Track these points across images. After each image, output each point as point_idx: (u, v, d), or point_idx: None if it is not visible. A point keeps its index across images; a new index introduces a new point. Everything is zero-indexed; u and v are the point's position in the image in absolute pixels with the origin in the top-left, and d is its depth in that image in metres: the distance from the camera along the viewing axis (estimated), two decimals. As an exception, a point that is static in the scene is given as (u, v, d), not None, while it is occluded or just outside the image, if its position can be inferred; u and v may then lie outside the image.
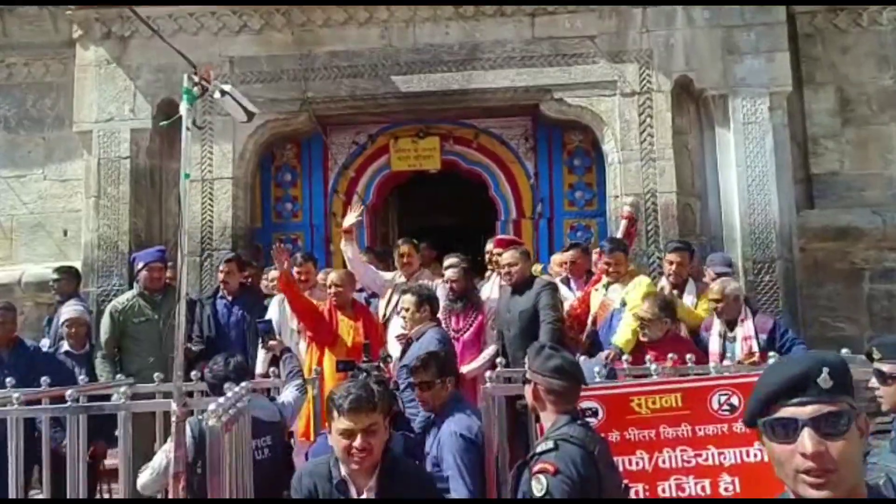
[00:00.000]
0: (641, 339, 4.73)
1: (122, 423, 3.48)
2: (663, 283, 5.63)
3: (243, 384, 3.21)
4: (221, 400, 2.64)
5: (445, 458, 3.42)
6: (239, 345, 5.59)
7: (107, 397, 4.00)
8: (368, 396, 2.54)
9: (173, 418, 3.25)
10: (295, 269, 5.77)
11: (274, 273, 5.97)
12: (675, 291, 5.49)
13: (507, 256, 5.10)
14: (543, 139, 7.40)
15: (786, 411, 1.32)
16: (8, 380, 4.64)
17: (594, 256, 5.89)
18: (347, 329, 5.16)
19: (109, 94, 7.07)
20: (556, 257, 6.29)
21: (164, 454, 3.38)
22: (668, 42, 6.70)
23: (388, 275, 5.69)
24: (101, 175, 6.96)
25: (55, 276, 6.42)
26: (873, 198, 7.15)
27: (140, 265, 5.79)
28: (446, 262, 5.42)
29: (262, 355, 5.32)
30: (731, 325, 4.92)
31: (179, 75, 6.46)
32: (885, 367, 2.65)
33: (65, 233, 7.77)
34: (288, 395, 4.08)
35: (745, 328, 4.82)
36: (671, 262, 5.50)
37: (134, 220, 6.95)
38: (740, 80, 6.62)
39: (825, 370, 1.33)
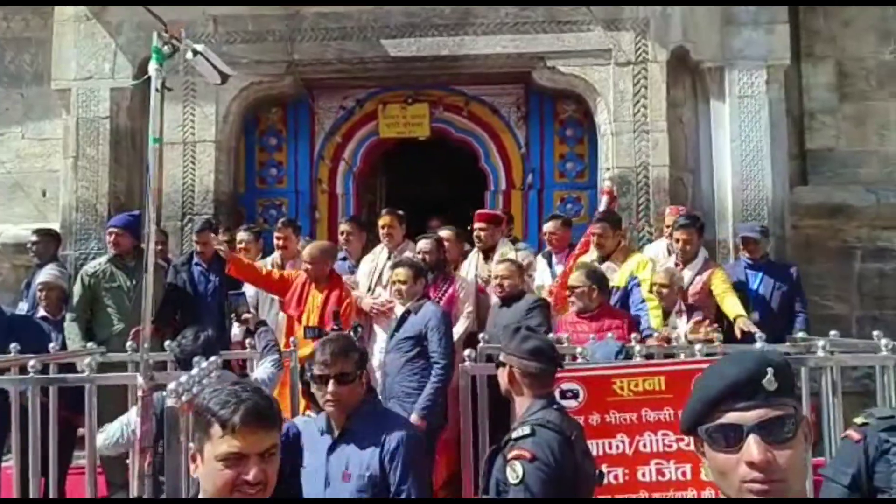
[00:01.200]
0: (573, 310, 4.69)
1: (87, 395, 3.36)
2: (669, 259, 5.48)
3: (212, 359, 3.07)
4: (184, 378, 2.52)
5: None
6: (218, 314, 5.47)
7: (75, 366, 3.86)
8: (267, 405, 1.74)
9: (139, 392, 3.14)
10: (275, 235, 5.65)
11: (241, 236, 5.88)
12: (680, 268, 5.35)
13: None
14: (535, 108, 7.23)
15: (730, 417, 1.21)
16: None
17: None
18: (318, 301, 5.03)
19: (89, 52, 6.85)
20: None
21: (119, 424, 3.28)
22: (666, 11, 6.51)
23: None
24: (80, 135, 6.77)
25: (34, 238, 6.25)
26: (868, 175, 7.04)
27: (111, 229, 5.63)
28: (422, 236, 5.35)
29: (236, 328, 5.19)
30: (666, 314, 4.84)
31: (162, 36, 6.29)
32: None
33: (43, 193, 7.58)
34: (262, 371, 3.93)
35: (680, 325, 4.76)
36: (678, 240, 5.31)
37: (114, 183, 6.78)
38: (738, 52, 6.46)
39: (770, 371, 1.22)
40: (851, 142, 7.08)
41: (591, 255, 5.37)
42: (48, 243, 6.27)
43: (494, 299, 5.00)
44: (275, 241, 5.77)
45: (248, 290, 5.38)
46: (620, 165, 6.47)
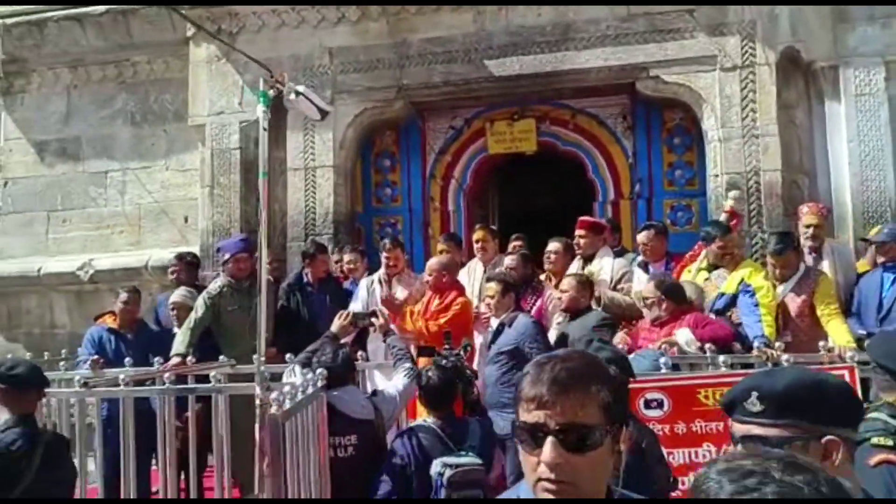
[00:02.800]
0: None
1: (216, 404, 3.75)
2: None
3: (319, 371, 3.36)
4: (286, 388, 2.82)
5: None
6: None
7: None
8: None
9: (257, 401, 3.48)
10: (383, 255, 5.94)
11: (348, 257, 6.19)
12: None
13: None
14: (641, 118, 7.23)
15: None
16: (126, 360, 5.12)
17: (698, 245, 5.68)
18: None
19: (220, 89, 7.50)
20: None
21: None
22: (773, 12, 6.37)
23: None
24: (215, 166, 7.41)
25: (173, 262, 6.86)
26: None
27: (226, 256, 6.00)
28: (509, 248, 5.49)
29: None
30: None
31: (284, 68, 6.83)
32: None
33: (185, 219, 8.32)
34: (396, 384, 3.86)
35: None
36: (772, 265, 5.17)
37: (244, 208, 7.36)
38: (852, 49, 6.23)
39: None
40: None
41: (703, 263, 5.37)
42: (184, 269, 6.75)
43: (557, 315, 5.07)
44: (383, 261, 6.03)
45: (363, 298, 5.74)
46: (730, 171, 6.38)
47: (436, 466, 3.15)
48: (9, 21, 8.60)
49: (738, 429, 1.34)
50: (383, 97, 7.19)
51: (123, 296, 5.96)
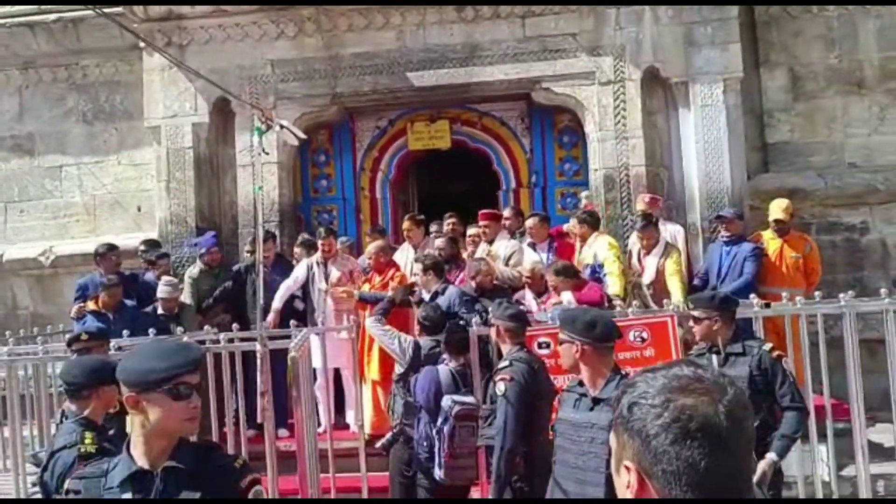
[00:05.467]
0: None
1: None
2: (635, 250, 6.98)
3: (307, 330, 4.68)
4: (298, 338, 4.12)
5: None
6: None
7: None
8: None
9: (258, 354, 4.77)
10: (319, 242, 7.19)
11: (297, 250, 7.59)
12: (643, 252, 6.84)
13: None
14: (537, 120, 8.72)
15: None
16: (125, 332, 6.24)
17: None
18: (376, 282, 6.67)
19: (173, 94, 8.50)
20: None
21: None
22: (638, 37, 7.93)
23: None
24: (170, 163, 8.44)
25: (143, 248, 7.95)
26: (819, 162, 8.41)
27: (202, 249, 7.60)
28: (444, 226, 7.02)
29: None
30: (539, 294, 6.23)
31: (230, 77, 7.95)
32: (696, 313, 4.12)
33: (139, 209, 9.31)
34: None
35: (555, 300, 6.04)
36: (640, 237, 6.82)
37: (198, 200, 8.44)
38: (699, 68, 7.86)
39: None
40: (804, 134, 8.45)
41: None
42: (156, 249, 7.96)
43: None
44: (319, 246, 7.24)
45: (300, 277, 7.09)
46: (606, 166, 7.95)
47: (447, 401, 4.55)
48: (-40, 26, 9.25)
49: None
50: (320, 103, 8.38)
51: (107, 282, 7.02)
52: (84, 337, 4.60)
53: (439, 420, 4.55)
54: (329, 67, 8.31)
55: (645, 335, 4.72)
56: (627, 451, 1.14)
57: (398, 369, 5.33)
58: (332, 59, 8.31)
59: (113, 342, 5.04)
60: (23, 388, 6.31)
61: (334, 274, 7.13)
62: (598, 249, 6.63)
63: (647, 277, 6.56)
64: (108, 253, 7.61)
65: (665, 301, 5.87)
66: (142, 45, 8.58)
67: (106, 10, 8.59)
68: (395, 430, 5.12)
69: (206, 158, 8.56)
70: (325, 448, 5.53)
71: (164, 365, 2.04)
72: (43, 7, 9.08)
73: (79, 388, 3.16)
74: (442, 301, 5.94)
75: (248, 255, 7.45)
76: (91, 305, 7.06)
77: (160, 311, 7.03)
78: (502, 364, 4.08)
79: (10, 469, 5.91)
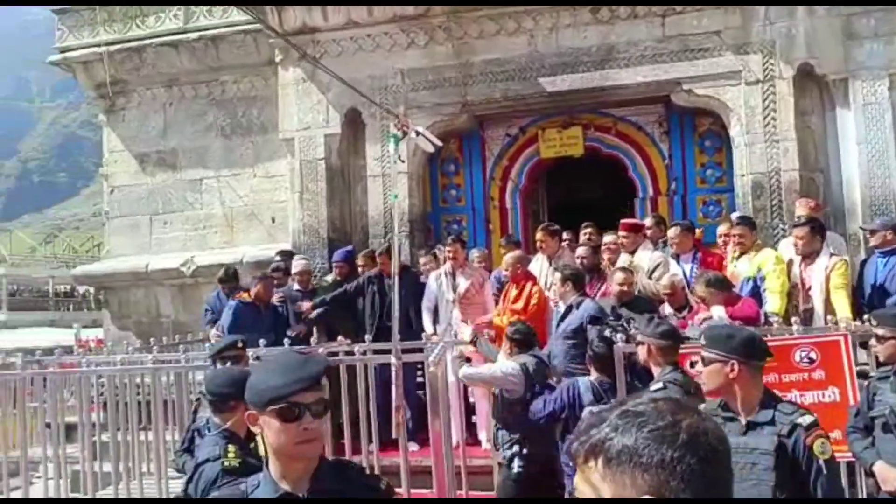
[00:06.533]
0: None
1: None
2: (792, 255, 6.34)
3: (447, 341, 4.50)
4: (435, 352, 3.95)
5: None
6: (404, 319, 6.76)
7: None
8: None
9: (392, 367, 4.64)
10: (446, 250, 7.00)
11: (423, 259, 7.45)
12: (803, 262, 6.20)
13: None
14: (676, 124, 8.26)
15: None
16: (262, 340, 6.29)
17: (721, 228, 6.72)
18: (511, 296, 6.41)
19: (306, 107, 8.62)
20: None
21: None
22: (790, 32, 7.35)
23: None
24: (303, 174, 8.55)
25: (277, 258, 8.08)
26: None
27: (336, 261, 7.67)
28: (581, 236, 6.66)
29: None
30: (679, 309, 5.71)
31: (362, 88, 7.96)
32: (879, 331, 3.63)
33: (273, 220, 9.51)
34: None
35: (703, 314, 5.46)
36: (798, 237, 6.15)
37: (330, 210, 8.50)
38: (860, 63, 7.19)
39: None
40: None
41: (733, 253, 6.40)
42: (289, 260, 8.04)
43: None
44: (446, 254, 7.06)
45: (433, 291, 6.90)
46: (754, 171, 7.40)
47: (586, 412, 4.28)
48: (112, 48, 9.79)
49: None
50: (450, 111, 8.27)
51: (261, 277, 7.29)
52: (239, 345, 4.59)
53: None
54: (459, 75, 8.19)
55: (813, 356, 4.24)
56: (640, 489, 1.06)
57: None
58: (463, 66, 8.18)
59: (251, 352, 5.04)
60: (165, 394, 6.49)
61: (462, 284, 6.94)
62: (762, 262, 6.08)
63: (816, 291, 5.90)
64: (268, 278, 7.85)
65: (829, 318, 5.31)
66: (277, 59, 8.80)
67: (246, 27, 8.90)
68: (514, 455, 4.75)
69: (338, 169, 8.62)
70: (458, 464, 5.34)
71: (277, 382, 1.88)
72: (187, 26, 9.45)
73: (223, 399, 3.09)
74: (575, 316, 5.63)
75: (361, 268, 7.40)
76: (245, 296, 7.21)
77: (296, 287, 7.31)
78: (654, 386, 3.73)
79: (153, 473, 6.06)
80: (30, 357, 6.63)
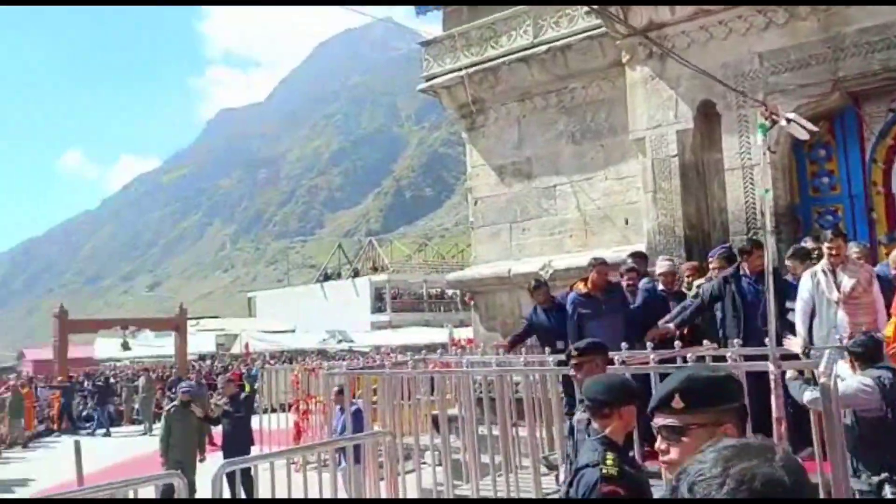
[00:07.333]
0: None
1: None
2: None
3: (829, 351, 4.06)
4: (823, 362, 3.57)
5: None
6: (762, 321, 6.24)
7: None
8: None
9: (772, 376, 4.31)
10: (825, 246, 6.21)
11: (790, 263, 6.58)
12: None
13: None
14: None
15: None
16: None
17: None
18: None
19: (655, 104, 8.45)
20: None
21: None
22: None
23: None
24: (656, 173, 8.39)
25: (629, 260, 8.01)
26: None
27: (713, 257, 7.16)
28: None
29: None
30: None
31: (713, 77, 7.55)
32: None
33: (626, 221, 9.49)
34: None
35: None
36: None
37: (685, 209, 8.22)
38: None
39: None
40: None
41: None
42: (642, 261, 7.96)
43: None
44: (825, 251, 6.24)
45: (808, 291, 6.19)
46: None
47: None
48: (471, 70, 10.61)
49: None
50: (817, 92, 7.49)
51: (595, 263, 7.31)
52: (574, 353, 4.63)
53: None
54: (828, 50, 7.38)
55: None
56: None
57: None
58: (832, 40, 7.36)
59: (616, 356, 5.07)
60: (532, 392, 6.84)
61: (846, 282, 6.17)
62: None
63: None
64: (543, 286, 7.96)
65: None
66: (624, 60, 8.77)
67: (591, 33, 9.04)
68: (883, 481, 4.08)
69: (692, 165, 8.31)
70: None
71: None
72: (535, 40, 9.88)
73: (598, 405, 3.14)
74: None
75: (715, 271, 6.92)
76: (581, 287, 7.32)
77: (660, 287, 7.18)
78: None
79: (526, 466, 6.40)
80: (417, 356, 7.44)
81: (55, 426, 20.37)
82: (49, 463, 14.28)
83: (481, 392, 6.85)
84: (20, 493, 12.01)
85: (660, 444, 1.92)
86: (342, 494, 7.05)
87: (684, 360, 5.50)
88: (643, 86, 8.59)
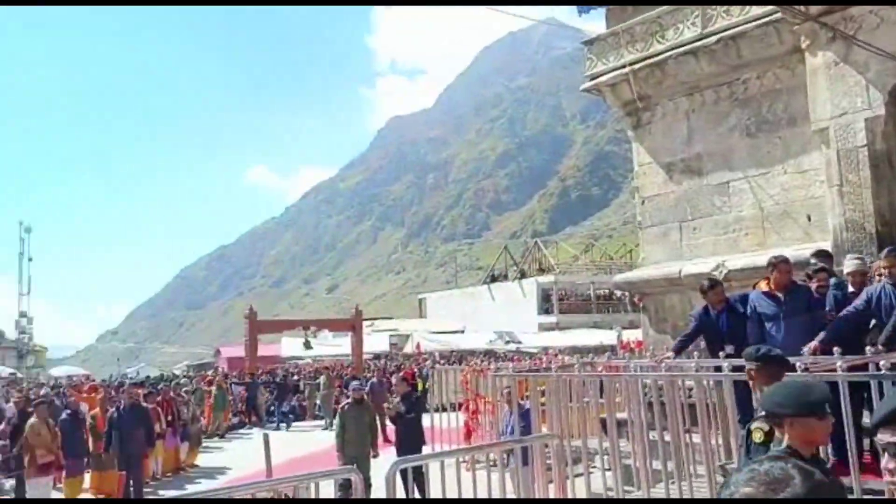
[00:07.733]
0: None
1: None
2: None
3: None
4: None
5: None
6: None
7: None
8: None
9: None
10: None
11: None
12: None
13: None
14: None
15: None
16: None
17: None
18: None
19: (840, 91, 7.85)
20: None
21: None
22: None
23: None
24: (842, 165, 7.79)
25: (813, 260, 7.49)
26: None
27: None
28: None
29: None
30: None
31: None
32: None
33: (808, 218, 8.88)
34: None
35: None
36: None
37: (876, 203, 7.58)
38: None
39: None
40: None
41: None
42: (827, 260, 7.39)
43: None
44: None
45: None
46: None
47: None
48: (636, 66, 10.35)
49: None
50: None
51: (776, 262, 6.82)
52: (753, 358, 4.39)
53: None
54: None
55: None
56: None
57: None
58: None
59: (797, 362, 4.78)
60: (707, 397, 6.57)
61: None
62: None
63: None
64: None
65: None
66: (804, 45, 8.22)
67: (766, 20, 8.57)
68: None
69: (884, 155, 7.65)
70: None
71: None
72: (704, 31, 9.48)
73: (774, 416, 2.99)
74: None
75: (885, 270, 6.26)
76: (762, 286, 6.94)
77: (850, 289, 6.69)
78: None
79: (702, 475, 6.17)
80: (584, 359, 7.38)
81: (246, 419, 22.03)
82: (242, 453, 15.52)
83: (651, 396, 6.68)
84: (219, 480, 13.13)
85: (886, 462, 1.77)
86: (510, 495, 7.13)
87: (877, 367, 5.10)
88: (826, 72, 8.01)
